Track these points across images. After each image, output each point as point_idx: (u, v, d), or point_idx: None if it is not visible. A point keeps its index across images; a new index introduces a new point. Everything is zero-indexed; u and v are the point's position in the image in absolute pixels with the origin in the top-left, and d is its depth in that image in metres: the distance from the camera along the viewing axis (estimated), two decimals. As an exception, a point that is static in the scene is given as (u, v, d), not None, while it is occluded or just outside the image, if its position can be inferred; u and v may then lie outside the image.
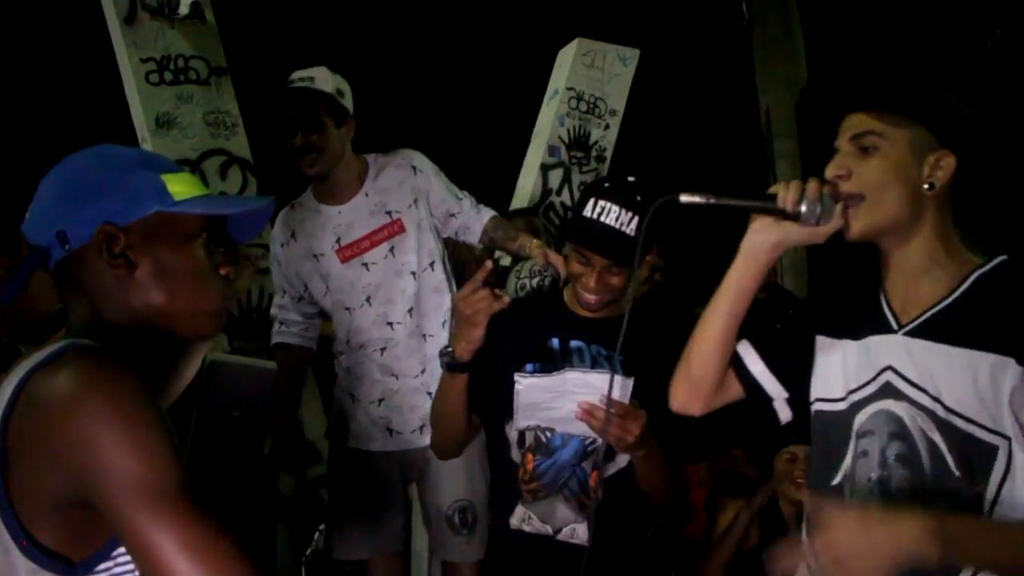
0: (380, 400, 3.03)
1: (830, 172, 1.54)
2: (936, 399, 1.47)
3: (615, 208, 2.13)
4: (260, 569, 1.07)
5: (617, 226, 2.12)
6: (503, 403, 2.19)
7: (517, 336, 2.32)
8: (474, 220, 3.13)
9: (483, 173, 3.24)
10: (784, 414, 1.76)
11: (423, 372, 3.00)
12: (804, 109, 7.64)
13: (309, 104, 2.92)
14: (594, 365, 2.23)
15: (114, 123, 4.31)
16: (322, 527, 3.89)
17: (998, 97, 9.06)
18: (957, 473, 1.45)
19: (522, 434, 2.27)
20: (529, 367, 2.25)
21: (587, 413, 2.01)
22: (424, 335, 3.02)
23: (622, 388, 1.99)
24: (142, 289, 1.23)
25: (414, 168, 3.04)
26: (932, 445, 1.48)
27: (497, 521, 2.39)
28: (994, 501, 1.43)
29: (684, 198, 1.54)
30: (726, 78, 8.49)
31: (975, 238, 1.61)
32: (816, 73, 7.88)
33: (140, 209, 1.23)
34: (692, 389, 1.75)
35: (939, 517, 1.35)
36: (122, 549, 1.12)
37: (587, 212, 2.16)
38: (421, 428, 2.99)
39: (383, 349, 3.02)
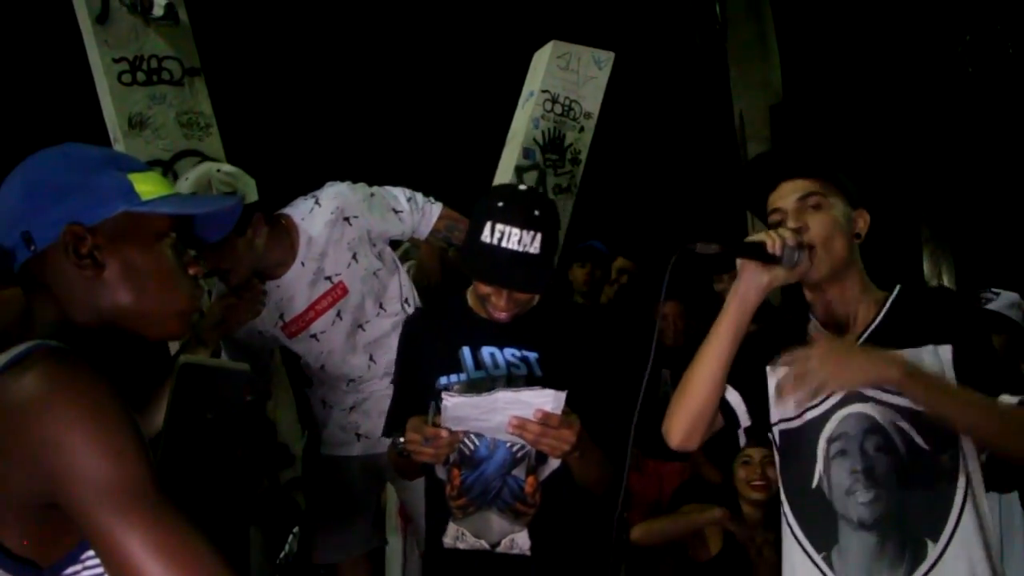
0: (351, 407, 3.02)
1: (791, 225, 1.89)
2: (896, 392, 1.82)
3: (515, 231, 2.06)
4: (233, 570, 1.06)
5: (521, 249, 2.06)
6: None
7: (430, 348, 2.28)
8: (419, 223, 2.97)
9: (458, 175, 3.22)
10: (743, 440, 2.07)
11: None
12: (778, 114, 7.69)
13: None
14: (509, 369, 2.19)
15: (86, 123, 4.27)
16: (296, 530, 3.88)
17: (968, 100, 9.15)
18: (927, 448, 1.84)
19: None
20: (443, 380, 2.20)
21: (519, 428, 1.97)
22: (389, 372, 2.91)
23: (555, 401, 1.95)
24: (110, 289, 1.22)
25: (347, 219, 2.82)
26: (901, 432, 1.85)
27: (430, 542, 2.32)
28: (965, 455, 1.85)
29: (700, 248, 1.81)
30: (700, 81, 8.53)
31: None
32: (790, 77, 7.93)
33: (107, 209, 1.22)
34: (691, 427, 1.96)
35: (910, 362, 1.77)
36: (91, 552, 1.11)
37: (485, 238, 2.08)
38: None
39: (354, 405, 3.03)
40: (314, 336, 2.91)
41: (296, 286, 2.83)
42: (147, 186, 1.26)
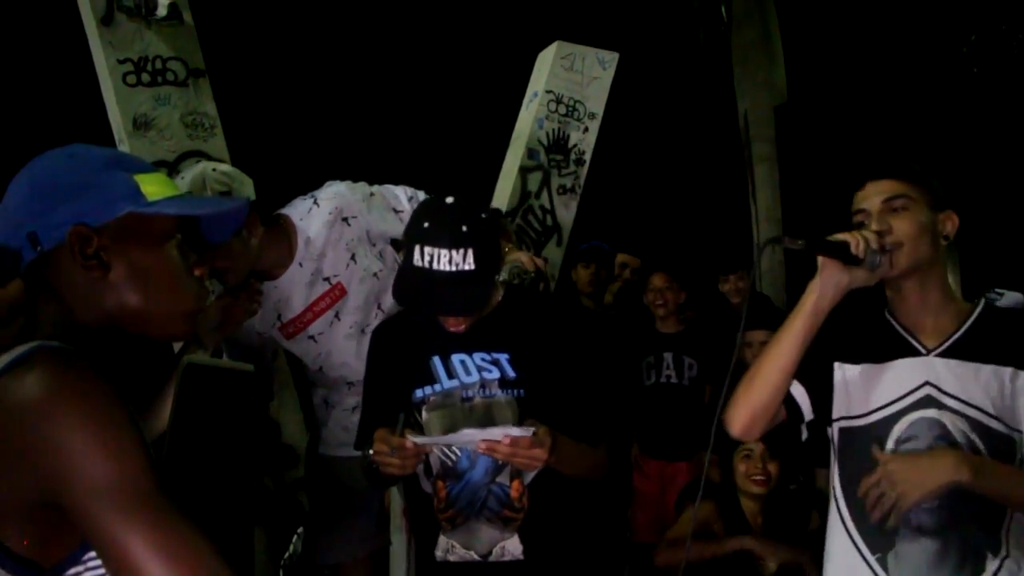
0: (354, 407, 3.02)
1: (876, 228, 1.90)
2: (971, 405, 1.87)
3: (444, 252, 2.01)
4: (233, 570, 1.06)
5: (453, 269, 2.01)
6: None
7: (400, 358, 2.24)
8: None
9: (462, 176, 3.21)
10: (804, 434, 2.08)
11: None
12: (783, 114, 7.68)
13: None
14: (481, 374, 2.16)
15: (91, 125, 4.27)
16: (300, 530, 3.88)
17: (973, 99, 9.13)
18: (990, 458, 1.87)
19: (427, 462, 2.19)
20: (418, 393, 2.18)
21: (489, 451, 1.97)
22: None
23: (523, 433, 1.94)
24: (116, 290, 1.22)
25: (345, 220, 2.80)
26: (970, 442, 1.87)
27: (420, 555, 2.29)
28: None
29: (788, 244, 1.85)
30: (705, 82, 8.52)
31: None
32: (794, 77, 7.92)
33: (113, 210, 1.21)
34: (755, 416, 1.98)
35: (969, 454, 1.82)
36: (93, 553, 1.11)
37: (416, 261, 2.04)
38: None
39: (350, 384, 3.00)
40: (312, 337, 2.90)
41: (294, 287, 2.81)
42: (153, 187, 1.26)
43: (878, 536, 1.92)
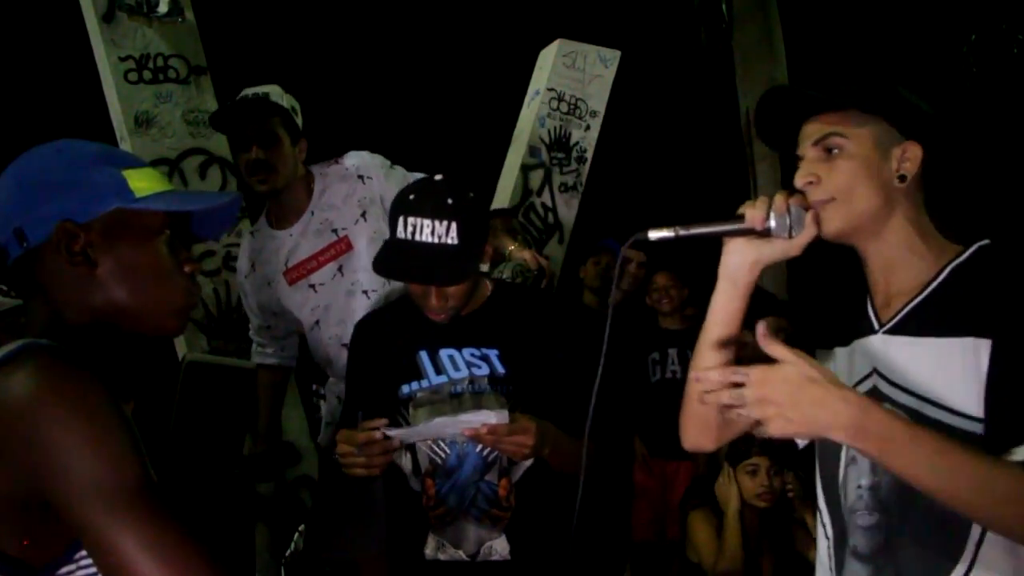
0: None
1: (799, 181, 1.52)
2: (921, 397, 1.45)
3: (427, 222, 1.97)
4: (224, 569, 1.06)
5: (435, 241, 1.97)
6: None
7: (385, 353, 2.20)
8: None
9: (464, 174, 3.21)
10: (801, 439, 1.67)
11: None
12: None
13: (265, 116, 2.79)
14: (470, 369, 2.12)
15: (92, 122, 4.27)
16: (302, 528, 3.88)
17: (973, 100, 9.13)
18: None
19: (416, 460, 2.16)
20: (405, 389, 2.15)
21: (473, 438, 1.94)
22: None
23: (499, 417, 1.91)
24: (103, 287, 1.21)
25: (361, 177, 2.90)
26: None
27: (410, 555, 2.23)
28: None
29: (653, 234, 1.51)
30: (706, 80, 8.51)
31: (951, 227, 1.60)
32: (796, 76, 7.92)
33: (100, 206, 1.20)
34: (701, 426, 1.68)
35: (868, 411, 1.29)
36: (84, 552, 1.10)
37: (399, 233, 2.00)
38: None
39: (342, 346, 2.99)
40: (312, 287, 2.93)
41: (305, 235, 2.90)
42: (142, 182, 1.24)
43: (837, 556, 1.60)
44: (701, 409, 1.63)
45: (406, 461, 2.17)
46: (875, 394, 1.49)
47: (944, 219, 1.58)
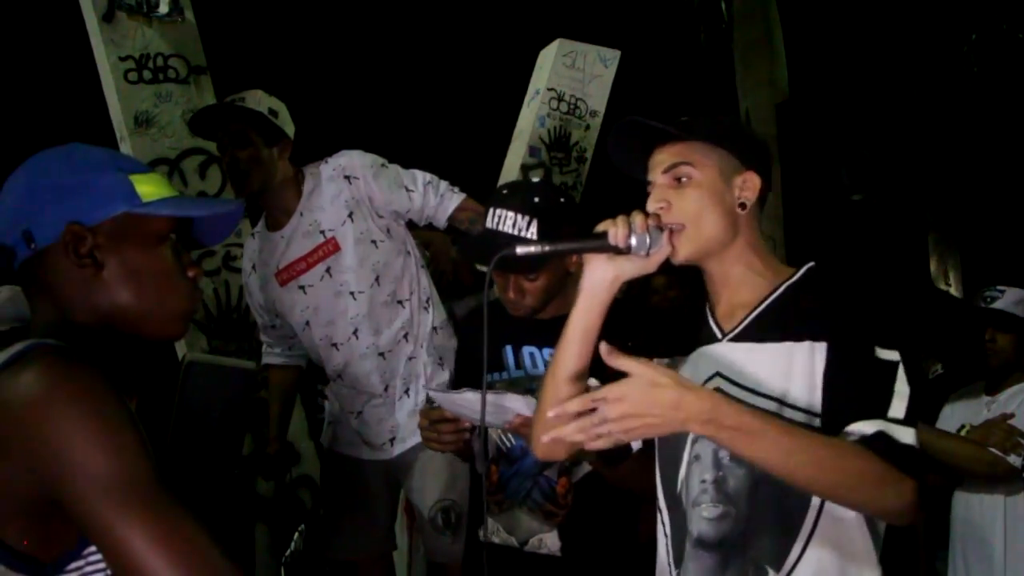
0: (359, 412, 3.03)
1: (651, 206, 1.60)
2: (763, 395, 1.56)
3: (511, 214, 2.09)
4: (234, 563, 1.06)
5: (515, 233, 2.07)
6: None
7: (478, 346, 2.28)
8: (435, 209, 2.95)
9: (463, 174, 3.21)
10: (635, 443, 1.76)
11: (386, 390, 2.95)
12: (784, 112, 7.68)
13: (234, 121, 2.84)
14: (544, 367, 2.17)
15: (92, 122, 4.28)
16: (302, 528, 3.89)
17: (974, 99, 9.13)
18: None
19: (485, 444, 2.23)
20: (487, 378, 2.18)
21: (518, 428, 1.99)
22: (380, 353, 2.93)
23: (525, 404, 1.93)
24: (109, 289, 1.22)
25: (347, 178, 2.90)
26: None
27: (471, 533, 2.35)
28: None
29: (520, 250, 1.57)
30: (706, 80, 8.52)
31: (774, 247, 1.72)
32: (796, 75, 7.92)
33: (108, 209, 1.22)
34: (553, 438, 1.66)
35: (719, 405, 1.40)
36: (93, 548, 1.11)
37: (488, 223, 2.12)
38: (391, 440, 2.97)
39: (340, 372, 3.00)
40: (302, 288, 2.93)
41: (295, 236, 2.92)
42: (148, 187, 1.26)
43: (677, 549, 1.67)
44: (554, 421, 1.62)
45: (477, 445, 2.22)
46: (718, 390, 1.58)
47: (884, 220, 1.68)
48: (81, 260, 1.20)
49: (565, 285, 2.19)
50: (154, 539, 1.03)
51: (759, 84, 7.75)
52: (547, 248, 1.60)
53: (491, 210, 2.12)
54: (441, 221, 2.99)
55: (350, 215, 2.89)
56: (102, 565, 1.12)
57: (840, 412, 1.50)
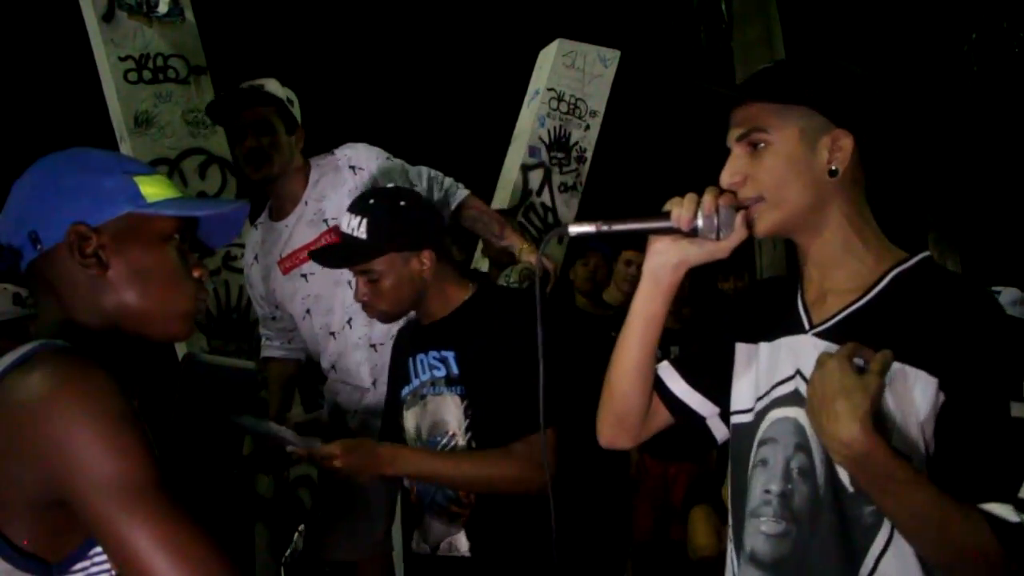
0: (354, 412, 3.03)
1: (724, 180, 1.43)
2: None
3: (347, 215, 2.19)
4: (237, 565, 1.07)
5: (348, 232, 2.17)
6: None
7: (398, 359, 2.40)
8: (439, 204, 2.98)
9: (463, 173, 3.22)
10: (720, 432, 1.63)
11: (374, 384, 2.94)
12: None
13: (261, 105, 2.86)
14: (431, 372, 2.24)
15: (92, 122, 4.28)
16: (301, 528, 3.88)
17: (974, 98, 9.14)
18: (851, 490, 1.34)
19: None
20: (403, 391, 2.31)
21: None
22: (372, 345, 2.94)
23: (294, 438, 2.16)
24: (114, 290, 1.23)
25: (352, 168, 2.95)
26: (827, 458, 1.35)
27: (405, 547, 2.42)
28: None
29: (573, 229, 1.46)
30: (706, 80, 8.52)
31: (896, 229, 1.50)
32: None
33: (113, 210, 1.23)
34: (618, 423, 1.63)
35: (877, 447, 1.22)
36: (99, 548, 1.12)
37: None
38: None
39: (334, 363, 3.01)
40: (304, 276, 2.96)
41: (299, 225, 2.95)
42: (153, 188, 1.27)
43: (737, 558, 1.52)
44: (620, 406, 1.61)
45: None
46: (796, 396, 1.42)
47: (889, 221, 1.49)
48: (86, 260, 1.21)
49: (426, 288, 2.20)
50: (159, 539, 1.04)
51: (759, 84, 7.75)
52: (603, 228, 1.43)
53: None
54: (445, 217, 2.99)
55: None
56: (107, 566, 1.12)
57: (960, 479, 1.28)
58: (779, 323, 1.48)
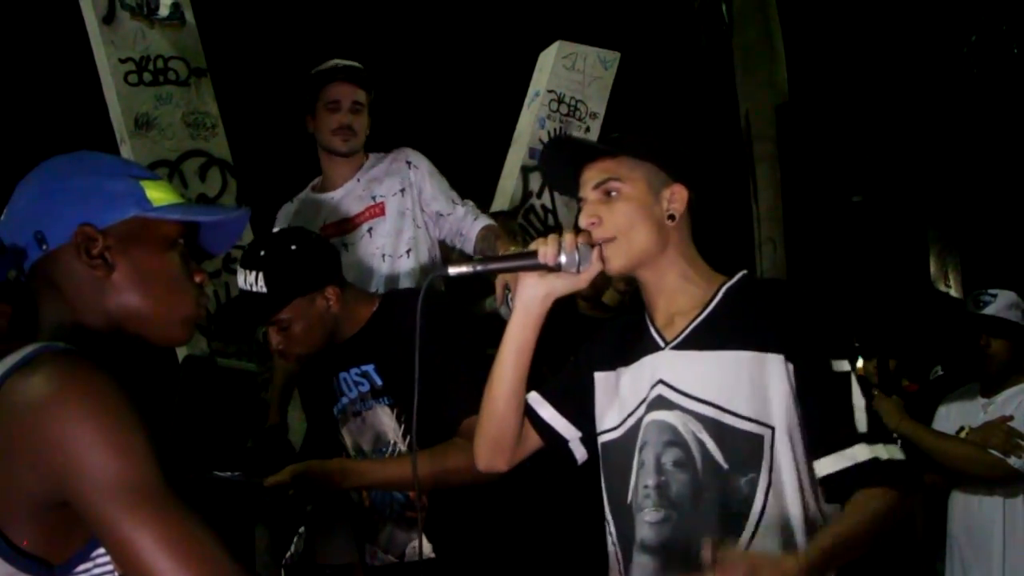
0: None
1: (583, 222, 1.67)
2: (706, 402, 1.63)
3: (242, 272, 2.15)
4: (241, 565, 1.07)
5: (248, 288, 2.14)
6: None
7: (320, 378, 2.40)
8: (469, 228, 3.08)
9: (464, 175, 3.24)
10: (579, 453, 1.85)
11: None
12: (784, 114, 7.68)
13: (362, 85, 3.10)
14: (356, 388, 2.27)
15: (92, 124, 4.28)
16: (302, 530, 3.88)
17: (974, 101, 9.14)
18: (726, 467, 1.60)
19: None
20: (334, 410, 2.33)
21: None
22: None
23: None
24: (118, 292, 1.24)
25: (409, 163, 3.13)
26: (702, 446, 1.62)
27: (361, 561, 2.39)
28: (768, 485, 1.59)
29: (453, 270, 1.64)
30: (707, 81, 8.52)
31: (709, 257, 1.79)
32: (796, 77, 7.92)
33: (119, 213, 1.24)
34: (494, 447, 1.82)
35: (802, 556, 1.44)
36: (102, 550, 1.12)
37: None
38: None
39: None
40: (345, 246, 3.07)
41: (347, 198, 3.13)
42: (158, 193, 1.28)
43: (624, 556, 1.73)
44: (495, 431, 1.79)
45: None
46: (661, 400, 1.67)
47: (706, 252, 1.77)
48: (92, 261, 1.22)
49: (337, 319, 2.22)
50: (163, 540, 1.04)
51: (759, 86, 7.74)
52: (478, 268, 1.66)
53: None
54: (471, 239, 3.10)
55: (402, 190, 3.11)
56: (110, 567, 1.13)
57: (820, 433, 1.58)
58: (635, 348, 1.75)
